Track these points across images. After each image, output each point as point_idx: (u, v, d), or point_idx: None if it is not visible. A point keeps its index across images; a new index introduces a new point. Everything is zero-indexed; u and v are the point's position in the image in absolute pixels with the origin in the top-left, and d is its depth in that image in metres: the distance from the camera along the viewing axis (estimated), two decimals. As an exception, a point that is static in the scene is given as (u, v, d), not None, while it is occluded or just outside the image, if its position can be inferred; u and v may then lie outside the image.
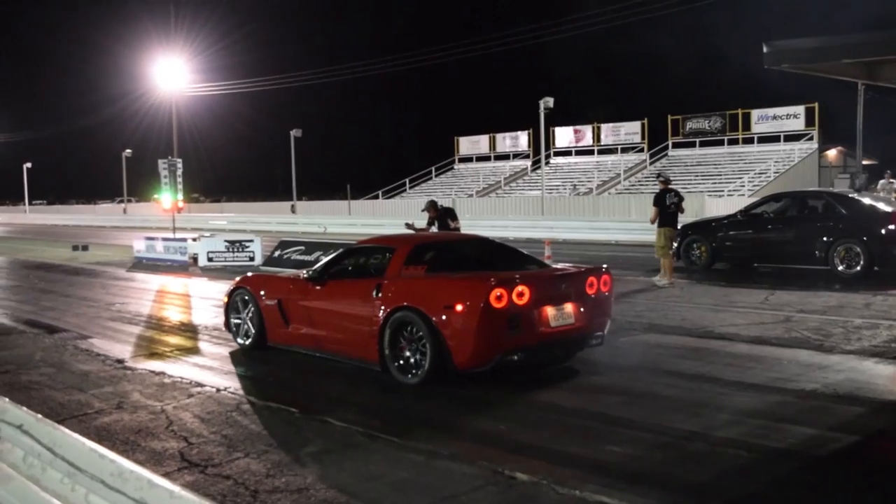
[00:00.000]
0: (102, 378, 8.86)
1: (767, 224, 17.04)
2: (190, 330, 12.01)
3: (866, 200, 16.68)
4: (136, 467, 3.29)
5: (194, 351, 10.43)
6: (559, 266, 9.52)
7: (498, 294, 7.72)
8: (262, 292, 10.03)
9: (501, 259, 9.15)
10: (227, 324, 10.58)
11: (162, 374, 9.06)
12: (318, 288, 9.33)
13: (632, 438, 6.39)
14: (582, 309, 8.44)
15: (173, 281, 19.07)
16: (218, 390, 8.24)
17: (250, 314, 10.17)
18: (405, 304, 8.19)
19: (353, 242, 11.95)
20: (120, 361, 9.74)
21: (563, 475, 5.55)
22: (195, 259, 22.01)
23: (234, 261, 21.55)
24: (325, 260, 10.00)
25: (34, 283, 19.17)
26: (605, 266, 9.12)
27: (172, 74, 57.57)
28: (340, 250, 10.11)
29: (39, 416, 4.18)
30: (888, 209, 16.00)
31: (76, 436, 3.84)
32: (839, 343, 9.64)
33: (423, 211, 14.99)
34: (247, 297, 10.22)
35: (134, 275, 20.86)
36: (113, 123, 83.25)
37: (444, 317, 7.87)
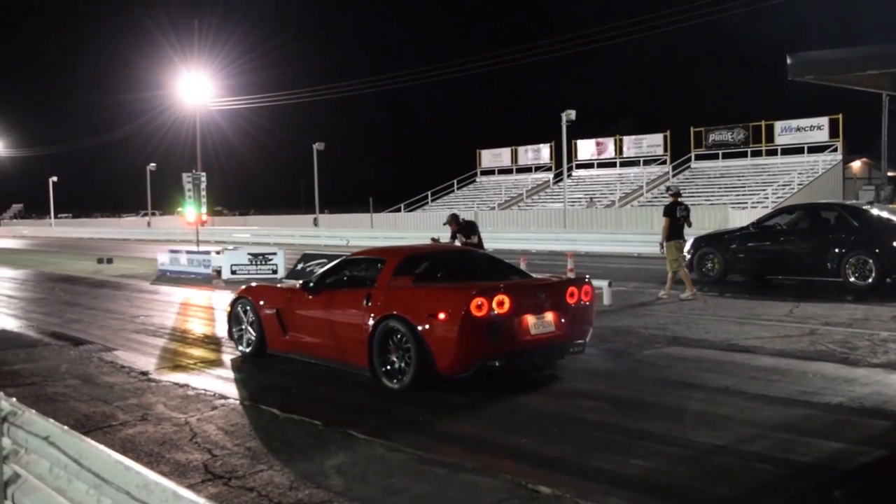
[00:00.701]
0: (127, 390, 8.92)
1: (780, 236, 17.11)
2: (213, 342, 12.07)
3: (879, 213, 16.71)
4: (162, 479, 3.31)
5: (218, 363, 10.48)
6: (541, 277, 9.90)
7: (478, 303, 8.07)
8: (261, 302, 10.43)
9: (487, 270, 9.59)
10: (230, 332, 10.97)
11: (186, 386, 9.11)
12: (313, 297, 9.72)
13: (656, 452, 6.35)
14: (562, 318, 8.77)
15: (197, 294, 19.18)
16: (241, 402, 8.28)
17: (251, 323, 10.57)
18: (393, 312, 8.55)
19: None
20: (144, 373, 9.80)
21: (586, 489, 5.52)
22: (219, 272, 22.12)
23: (257, 273, 21.64)
24: (320, 270, 10.39)
25: (59, 295, 19.34)
26: (587, 277, 9.53)
27: (196, 89, 58.03)
28: (336, 261, 10.50)
29: (65, 427, 4.21)
30: None
31: (102, 447, 3.85)
32: (865, 356, 9.54)
33: (444, 224, 15.01)
34: (248, 307, 10.62)
35: (158, 287, 21.00)
36: (137, 137, 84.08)
37: (427, 325, 8.24)
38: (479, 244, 14.26)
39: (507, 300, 8.20)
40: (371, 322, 8.71)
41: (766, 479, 5.76)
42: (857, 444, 6.42)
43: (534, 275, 10.00)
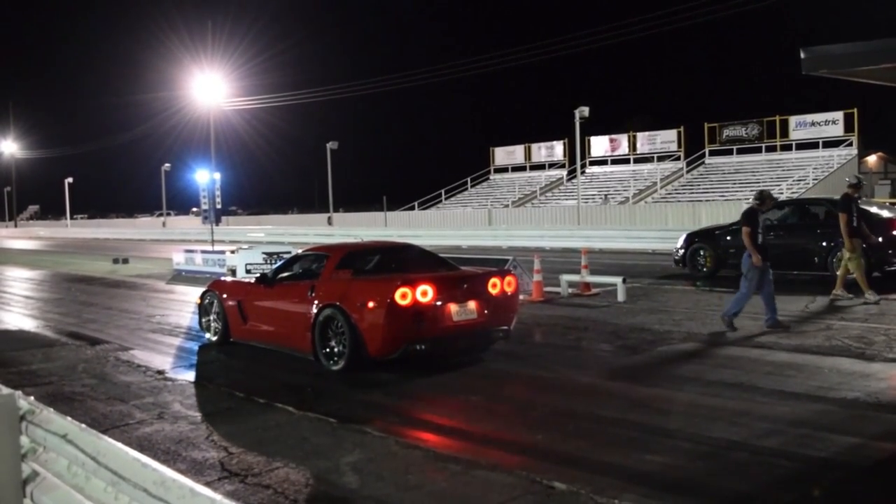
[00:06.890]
0: (143, 389, 8.97)
1: (769, 231, 17.00)
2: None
3: (866, 208, 16.63)
4: (179, 476, 3.32)
5: (232, 362, 10.52)
6: (467, 269, 10.59)
7: (403, 293, 8.88)
8: (225, 294, 11.36)
9: (421, 264, 10.35)
10: (200, 322, 11.89)
11: (201, 384, 9.16)
12: (268, 289, 10.59)
13: (671, 447, 6.34)
14: (485, 306, 9.47)
15: (212, 293, 19.21)
16: (257, 400, 8.30)
17: (217, 314, 11.48)
18: (333, 302, 9.38)
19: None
20: (160, 372, 9.86)
21: (601, 484, 5.52)
22: (233, 271, 22.10)
23: (271, 272, 21.63)
24: (276, 265, 11.19)
25: (76, 295, 19.46)
26: (509, 269, 10.43)
27: (210, 89, 58.24)
28: (289, 256, 11.32)
29: (83, 425, 4.23)
30: (888, 215, 16.20)
31: (119, 445, 3.88)
32: (881, 351, 9.50)
33: (756, 201, 12.53)
34: (214, 300, 11.55)
35: (173, 287, 21.10)
36: (152, 138, 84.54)
37: (359, 313, 9.09)
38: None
39: (430, 290, 8.99)
40: (314, 311, 9.55)
41: (782, 475, 5.74)
42: (874, 440, 6.40)
43: (463, 268, 10.72)
